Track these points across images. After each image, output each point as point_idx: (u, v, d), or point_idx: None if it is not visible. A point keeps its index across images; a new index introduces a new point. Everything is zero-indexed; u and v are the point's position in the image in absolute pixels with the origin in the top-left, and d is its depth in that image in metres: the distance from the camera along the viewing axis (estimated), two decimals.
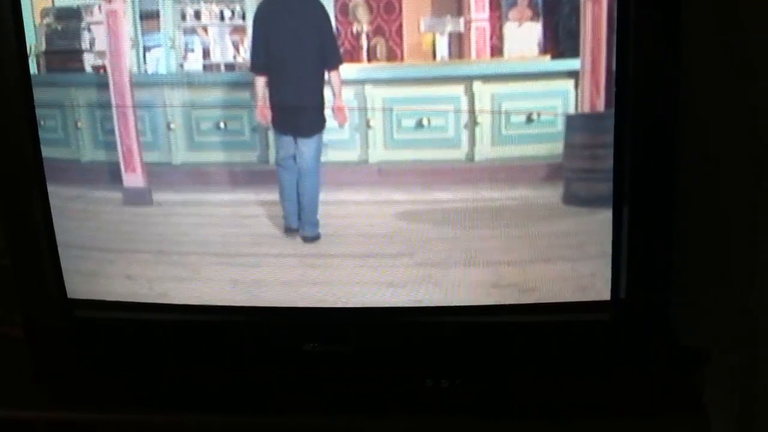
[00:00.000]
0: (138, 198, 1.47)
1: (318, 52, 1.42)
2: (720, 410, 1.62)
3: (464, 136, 1.41)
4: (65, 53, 1.43)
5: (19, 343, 1.60)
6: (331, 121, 1.42)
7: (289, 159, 1.46)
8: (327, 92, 1.41)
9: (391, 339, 1.48)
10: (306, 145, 1.45)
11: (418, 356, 1.48)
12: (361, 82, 1.42)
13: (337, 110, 1.41)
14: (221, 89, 1.44)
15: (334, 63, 1.41)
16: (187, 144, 1.45)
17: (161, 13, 1.41)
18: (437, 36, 1.41)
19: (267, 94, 1.42)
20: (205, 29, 1.43)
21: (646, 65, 1.31)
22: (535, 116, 1.38)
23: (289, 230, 1.47)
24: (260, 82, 1.42)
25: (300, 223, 1.47)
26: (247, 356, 1.50)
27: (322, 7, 1.38)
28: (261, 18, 1.41)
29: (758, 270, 1.60)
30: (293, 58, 1.42)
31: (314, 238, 1.46)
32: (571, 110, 1.38)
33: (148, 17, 1.41)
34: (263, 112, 1.43)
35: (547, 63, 1.37)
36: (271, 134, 1.45)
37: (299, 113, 1.45)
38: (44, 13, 1.41)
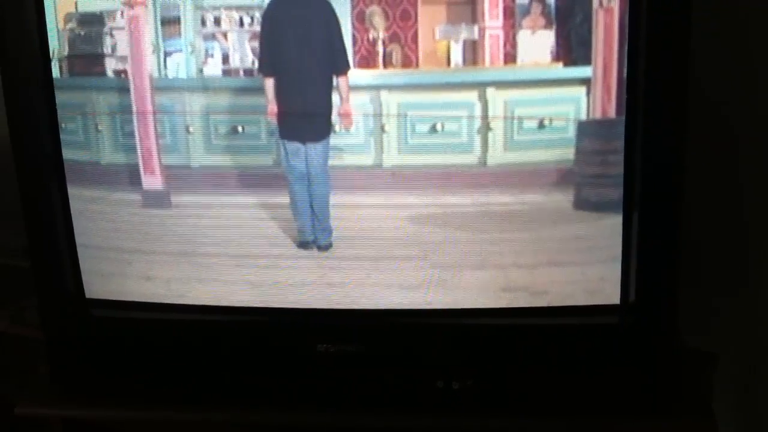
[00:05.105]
0: (156, 200, 1.48)
1: (327, 57, 1.43)
2: (727, 413, 1.63)
3: (477, 141, 1.42)
4: (87, 57, 1.45)
5: (35, 343, 1.63)
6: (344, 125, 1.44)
7: (298, 166, 1.47)
8: (335, 97, 1.42)
9: (403, 341, 1.49)
10: (315, 150, 1.46)
11: (429, 358, 1.49)
12: (377, 88, 1.43)
13: (344, 115, 1.43)
14: (240, 94, 1.45)
15: (342, 68, 1.42)
16: (205, 147, 1.47)
17: (182, 19, 1.43)
18: (452, 43, 1.42)
19: (275, 96, 1.43)
20: (224, 35, 1.45)
21: (657, 73, 1.32)
22: (547, 122, 1.40)
23: (303, 244, 1.48)
24: (269, 83, 1.43)
25: (313, 230, 1.48)
26: (262, 356, 1.51)
27: (332, 12, 1.39)
28: (269, 21, 1.42)
29: (766, 274, 1.61)
30: (302, 62, 1.43)
31: (327, 246, 1.47)
32: (583, 117, 1.39)
33: (169, 23, 1.43)
34: (273, 111, 1.44)
35: (560, 70, 1.39)
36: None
37: (307, 117, 1.46)
38: (67, 18, 1.43)
